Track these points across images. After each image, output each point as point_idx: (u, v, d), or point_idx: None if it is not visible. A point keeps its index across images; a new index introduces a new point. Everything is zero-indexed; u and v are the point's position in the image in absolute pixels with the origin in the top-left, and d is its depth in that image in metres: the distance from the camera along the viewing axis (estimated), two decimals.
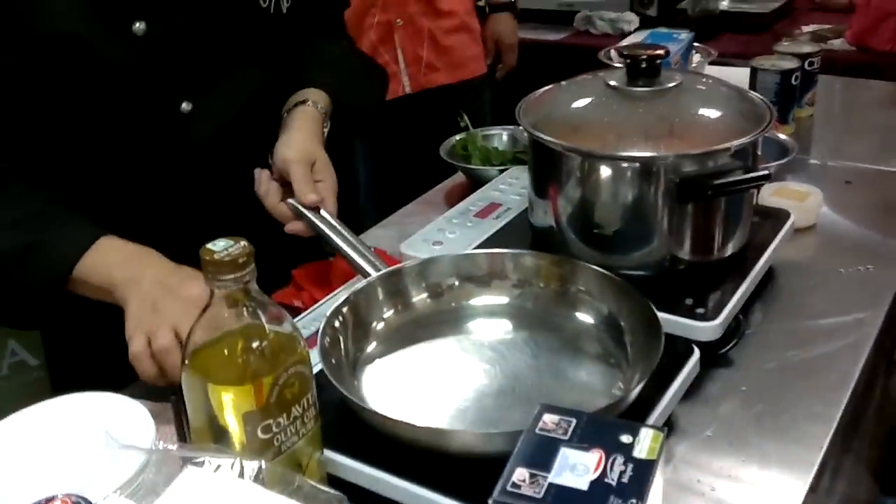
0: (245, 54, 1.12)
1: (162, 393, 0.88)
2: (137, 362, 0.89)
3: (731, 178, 0.92)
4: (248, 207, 1.09)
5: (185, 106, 1.07)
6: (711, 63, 1.76)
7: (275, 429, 0.67)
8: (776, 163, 1.34)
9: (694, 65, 1.70)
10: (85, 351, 1.13)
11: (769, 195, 1.26)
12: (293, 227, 1.07)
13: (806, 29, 2.70)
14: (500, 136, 1.52)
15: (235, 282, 0.65)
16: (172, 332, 0.88)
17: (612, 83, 1.02)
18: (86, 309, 0.98)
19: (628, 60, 1.02)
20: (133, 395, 0.85)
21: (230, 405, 0.66)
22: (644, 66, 1.01)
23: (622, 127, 0.98)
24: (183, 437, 0.81)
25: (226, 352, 0.66)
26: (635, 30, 2.82)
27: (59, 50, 0.96)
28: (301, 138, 1.11)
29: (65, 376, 1.20)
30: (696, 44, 1.71)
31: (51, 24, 0.95)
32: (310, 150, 1.10)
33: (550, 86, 1.10)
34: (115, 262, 0.95)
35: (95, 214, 1.01)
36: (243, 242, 0.66)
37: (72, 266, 0.94)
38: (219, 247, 0.65)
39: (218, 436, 0.67)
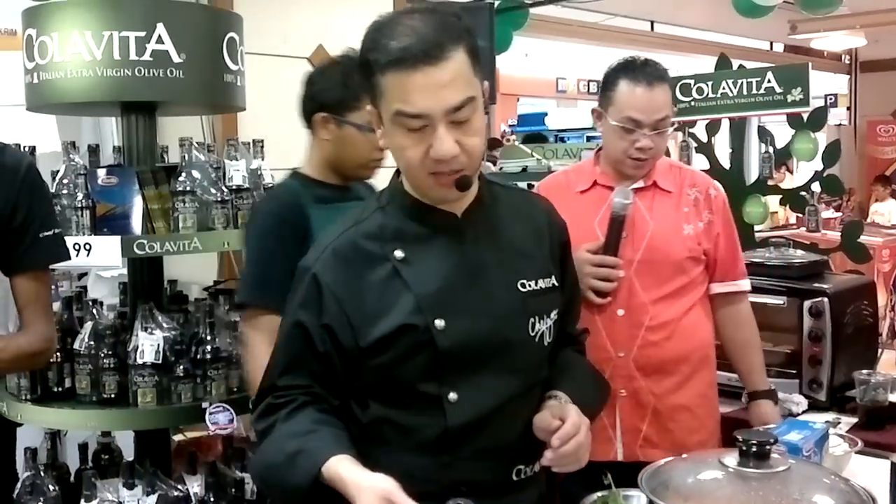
0: (508, 363, 1.37)
1: None
2: None
3: None
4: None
5: (452, 395, 1.32)
6: (858, 452, 1.83)
7: None
8: None
9: (839, 453, 1.78)
10: None
11: None
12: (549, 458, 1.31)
13: None
14: (640, 498, 1.63)
15: None
16: None
17: (725, 462, 1.17)
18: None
19: (741, 444, 1.17)
20: None
21: None
22: (754, 450, 1.15)
23: (729, 502, 1.11)
24: None
25: None
26: (803, 412, 2.88)
27: (394, 334, 1.32)
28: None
29: None
30: (843, 433, 1.79)
31: (396, 318, 1.32)
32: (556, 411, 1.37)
33: (673, 457, 1.26)
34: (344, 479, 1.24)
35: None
36: None
37: (317, 472, 1.25)
38: None
39: None
